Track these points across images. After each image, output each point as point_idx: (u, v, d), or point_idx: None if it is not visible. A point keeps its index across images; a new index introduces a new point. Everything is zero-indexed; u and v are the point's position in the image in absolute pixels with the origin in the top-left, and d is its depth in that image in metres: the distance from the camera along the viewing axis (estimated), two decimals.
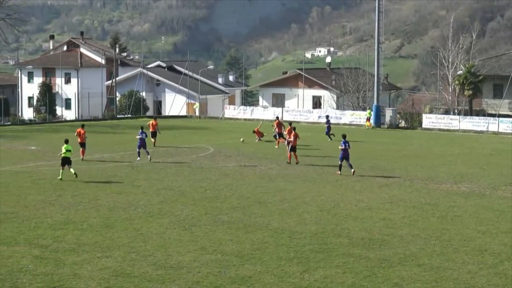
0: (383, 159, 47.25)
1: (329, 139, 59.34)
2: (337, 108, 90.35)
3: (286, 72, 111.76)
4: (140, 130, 45.54)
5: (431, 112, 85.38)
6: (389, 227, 25.98)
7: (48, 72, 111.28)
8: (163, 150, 50.89)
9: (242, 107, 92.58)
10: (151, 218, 27.06)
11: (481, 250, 22.99)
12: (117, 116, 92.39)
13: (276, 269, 20.41)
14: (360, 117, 79.68)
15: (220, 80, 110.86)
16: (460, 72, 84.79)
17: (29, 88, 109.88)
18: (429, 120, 76.30)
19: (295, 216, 27.74)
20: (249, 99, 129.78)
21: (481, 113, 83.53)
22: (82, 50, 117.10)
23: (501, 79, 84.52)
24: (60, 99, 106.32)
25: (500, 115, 76.09)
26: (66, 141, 37.51)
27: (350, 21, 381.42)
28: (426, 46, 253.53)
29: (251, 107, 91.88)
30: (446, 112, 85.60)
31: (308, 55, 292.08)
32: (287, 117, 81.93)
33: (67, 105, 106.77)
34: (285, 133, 47.39)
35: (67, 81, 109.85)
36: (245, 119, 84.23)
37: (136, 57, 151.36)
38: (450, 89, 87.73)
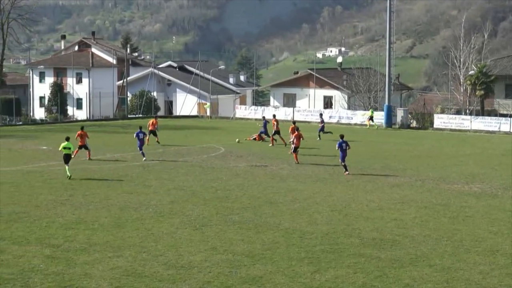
0: (395, 159, 47.15)
1: (318, 138, 59.05)
2: (348, 108, 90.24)
3: (297, 72, 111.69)
4: (139, 130, 45.78)
5: (442, 112, 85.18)
6: (400, 228, 25.93)
7: (60, 72, 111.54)
8: (174, 150, 50.95)
9: (253, 107, 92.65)
10: (162, 218, 27.09)
11: (492, 250, 22.91)
12: (128, 116, 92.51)
13: (287, 269, 20.40)
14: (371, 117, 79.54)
15: (231, 80, 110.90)
16: (471, 72, 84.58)
17: (41, 88, 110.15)
18: (441, 120, 76.13)
19: (306, 216, 27.72)
20: (260, 99, 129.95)
21: (493, 113, 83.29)
22: (94, 50, 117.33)
23: None
24: (71, 99, 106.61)
25: None
26: (67, 139, 37.99)
27: (361, 21, 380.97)
28: (437, 46, 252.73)
29: (262, 107, 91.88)
30: (458, 112, 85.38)
31: (319, 55, 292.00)
32: (298, 117, 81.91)
33: (78, 105, 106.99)
34: (289, 132, 47.44)
35: (79, 81, 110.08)
36: (256, 119, 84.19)
37: (147, 57, 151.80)
38: (461, 89, 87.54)
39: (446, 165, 44.64)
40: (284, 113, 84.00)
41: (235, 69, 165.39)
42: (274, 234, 24.62)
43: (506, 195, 33.53)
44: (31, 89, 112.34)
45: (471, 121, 73.78)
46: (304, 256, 21.83)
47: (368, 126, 75.88)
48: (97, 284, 18.85)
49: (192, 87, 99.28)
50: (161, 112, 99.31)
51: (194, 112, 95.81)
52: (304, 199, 31.57)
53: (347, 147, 39.91)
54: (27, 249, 22.33)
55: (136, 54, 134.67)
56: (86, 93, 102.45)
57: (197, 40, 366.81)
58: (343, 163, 39.90)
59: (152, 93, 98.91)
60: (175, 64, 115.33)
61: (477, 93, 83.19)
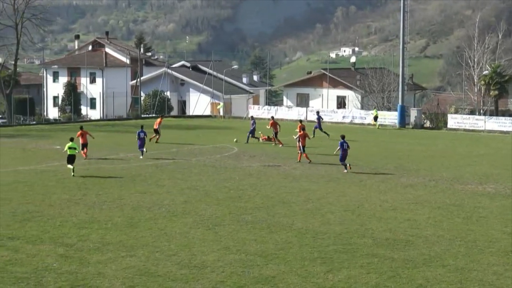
0: (408, 160, 47.04)
1: (312, 136, 58.73)
2: (362, 108, 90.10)
3: (310, 72, 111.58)
4: (140, 129, 46.34)
5: (456, 112, 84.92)
6: (414, 228, 25.86)
7: (73, 72, 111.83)
8: (187, 149, 51.02)
9: (266, 107, 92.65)
10: (175, 218, 27.12)
11: (506, 251, 22.82)
12: (142, 115, 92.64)
13: (300, 269, 20.38)
14: (385, 117, 79.46)
15: (244, 80, 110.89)
16: (485, 72, 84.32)
17: (54, 88, 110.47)
18: (455, 121, 75.90)
19: (319, 216, 27.69)
20: (274, 99, 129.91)
21: (507, 113, 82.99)
22: (107, 50, 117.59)
23: None
24: (85, 99, 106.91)
25: None
26: (71, 139, 39.00)
27: (375, 21, 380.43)
28: (451, 46, 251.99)
29: (276, 107, 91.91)
30: (472, 112, 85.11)
31: (333, 55, 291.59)
32: (311, 117, 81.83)
33: (92, 105, 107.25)
34: (296, 130, 47.46)
35: (92, 80, 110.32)
36: (269, 119, 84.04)
37: (161, 57, 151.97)
38: (475, 89, 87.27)
39: (460, 166, 44.52)
40: (297, 113, 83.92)
41: (249, 69, 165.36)
42: (287, 234, 24.61)
43: None
44: (45, 89, 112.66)
45: (485, 121, 73.52)
46: (317, 256, 21.82)
47: (377, 127, 75.82)
48: (110, 284, 18.89)
49: (205, 87, 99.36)
50: (174, 112, 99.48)
51: (207, 112, 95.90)
52: (317, 199, 31.55)
53: (348, 147, 40.39)
54: (41, 248, 22.41)
55: (149, 54, 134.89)
56: (100, 93, 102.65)
57: (210, 40, 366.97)
58: (342, 163, 40.30)
59: (165, 93, 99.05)
60: (188, 64, 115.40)
61: (491, 93, 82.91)
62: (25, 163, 42.95)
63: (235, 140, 57.12)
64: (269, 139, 56.98)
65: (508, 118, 74.53)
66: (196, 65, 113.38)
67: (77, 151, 39.18)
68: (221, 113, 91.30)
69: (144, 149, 45.87)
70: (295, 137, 47.25)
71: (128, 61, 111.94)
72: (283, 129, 58.30)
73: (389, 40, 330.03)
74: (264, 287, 18.81)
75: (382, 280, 19.43)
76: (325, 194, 32.75)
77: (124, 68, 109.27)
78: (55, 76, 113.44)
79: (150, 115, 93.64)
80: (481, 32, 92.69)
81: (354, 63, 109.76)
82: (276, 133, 55.33)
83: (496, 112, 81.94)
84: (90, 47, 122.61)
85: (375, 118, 76.87)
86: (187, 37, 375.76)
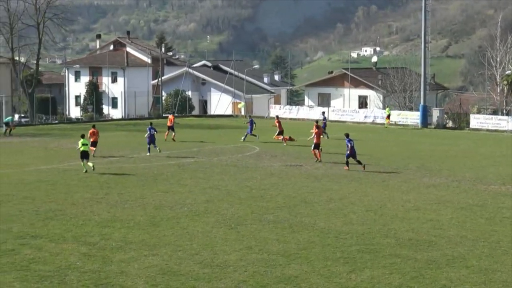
0: (430, 160, 46.84)
1: (326, 137, 58.72)
2: (383, 108, 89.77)
3: (331, 72, 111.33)
4: (149, 126, 47.49)
5: (479, 112, 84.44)
6: (437, 228, 25.75)
7: (95, 71, 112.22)
8: (209, 149, 51.09)
9: (287, 106, 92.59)
10: (197, 217, 27.16)
11: None
12: (163, 115, 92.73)
13: (323, 269, 20.35)
14: (406, 117, 79.22)
15: (265, 79, 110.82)
16: (508, 72, 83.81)
17: (76, 87, 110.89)
18: (477, 121, 75.52)
19: (341, 216, 27.64)
20: (295, 99, 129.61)
21: None
22: (129, 49, 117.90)
23: None
24: (106, 98, 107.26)
25: None
26: (82, 136, 39.76)
27: (396, 20, 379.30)
28: (473, 45, 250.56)
29: (297, 107, 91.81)
30: (494, 112, 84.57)
31: (354, 54, 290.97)
32: (333, 116, 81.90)
33: (114, 104, 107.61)
34: (311, 131, 47.54)
35: (114, 80, 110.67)
36: (290, 119, 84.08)
37: (182, 56, 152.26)
38: (498, 89, 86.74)
39: (483, 166, 44.28)
40: (319, 113, 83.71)
41: (270, 68, 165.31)
42: (309, 234, 24.58)
43: None
44: (66, 88, 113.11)
45: (508, 121, 73.08)
46: (340, 256, 21.77)
47: (386, 126, 75.86)
48: (133, 282, 18.94)
49: (226, 87, 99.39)
50: (195, 111, 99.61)
51: (229, 112, 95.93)
52: (339, 199, 31.50)
53: (349, 144, 40.94)
54: (64, 246, 22.51)
55: (170, 53, 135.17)
56: (121, 92, 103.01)
57: (231, 40, 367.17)
58: (347, 160, 40.81)
59: (186, 92, 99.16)
60: (209, 64, 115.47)
61: None
62: (47, 162, 43.18)
63: (242, 139, 57.47)
64: (291, 139, 57.05)
65: None
66: (217, 64, 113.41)
67: (88, 147, 40.07)
68: (242, 113, 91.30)
69: (157, 148, 47.06)
70: (309, 139, 47.40)
71: (149, 61, 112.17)
72: (304, 129, 58.29)
73: (410, 39, 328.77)
74: (286, 287, 18.79)
75: (405, 281, 19.36)
76: (348, 194, 32.69)
77: (145, 68, 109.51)
78: (77, 76, 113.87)
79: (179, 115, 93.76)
80: (503, 32, 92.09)
81: (376, 62, 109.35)
82: (282, 132, 56.14)
83: None
84: (111, 47, 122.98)
85: (388, 116, 76.91)
86: (208, 36, 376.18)
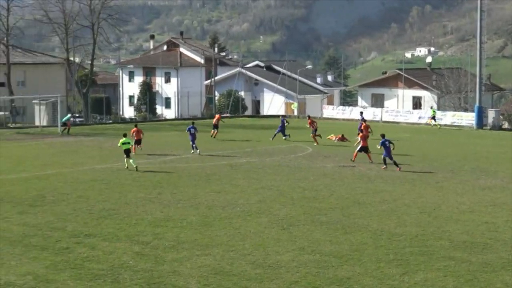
0: (486, 161, 46.28)
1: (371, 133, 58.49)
2: (438, 109, 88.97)
3: (385, 72, 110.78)
4: (191, 125, 48.67)
5: None
6: (492, 231, 25.43)
7: (149, 72, 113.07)
8: (262, 149, 51.14)
9: (340, 107, 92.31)
10: (249, 217, 27.21)
11: None
12: (221, 115, 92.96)
13: (375, 270, 20.24)
14: (461, 118, 78.42)
15: (318, 80, 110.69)
16: None
17: (130, 87, 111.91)
18: None
19: (395, 218, 27.45)
20: (348, 99, 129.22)
21: None
22: (182, 49, 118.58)
23: None
24: (160, 98, 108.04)
25: None
26: (124, 135, 41.26)
27: (451, 20, 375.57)
28: None
29: (350, 107, 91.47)
30: None
31: (408, 55, 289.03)
32: (386, 117, 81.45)
33: (167, 104, 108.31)
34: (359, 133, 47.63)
35: (167, 80, 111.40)
36: (343, 119, 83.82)
37: (235, 56, 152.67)
38: None
39: None
40: (372, 114, 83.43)
41: (323, 69, 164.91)
42: (362, 235, 24.47)
43: None
44: (120, 88, 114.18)
45: None
46: (393, 258, 21.63)
47: (431, 125, 75.28)
48: (185, 282, 19.04)
49: (279, 87, 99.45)
50: (248, 112, 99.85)
51: (281, 112, 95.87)
52: (393, 200, 31.29)
53: (390, 145, 41.22)
54: (117, 245, 22.72)
55: (223, 53, 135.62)
56: (175, 92, 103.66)
57: (284, 40, 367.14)
58: (385, 158, 41.11)
59: (239, 93, 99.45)
60: (262, 64, 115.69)
61: None
62: (101, 161, 43.65)
63: (284, 138, 57.90)
64: (342, 139, 56.99)
65: None
66: (270, 65, 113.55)
67: (130, 145, 41.26)
68: (295, 113, 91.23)
69: (195, 146, 47.73)
70: (356, 143, 47.36)
71: (202, 61, 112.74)
72: (354, 129, 58.09)
73: (465, 39, 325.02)
74: None
75: (460, 284, 19.16)
76: (401, 196, 32.47)
77: (198, 68, 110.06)
78: (131, 76, 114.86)
79: (224, 115, 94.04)
80: None
81: (430, 63, 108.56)
82: (315, 130, 56.12)
83: None
84: (165, 47, 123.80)
85: (433, 117, 76.42)
86: (261, 36, 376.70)
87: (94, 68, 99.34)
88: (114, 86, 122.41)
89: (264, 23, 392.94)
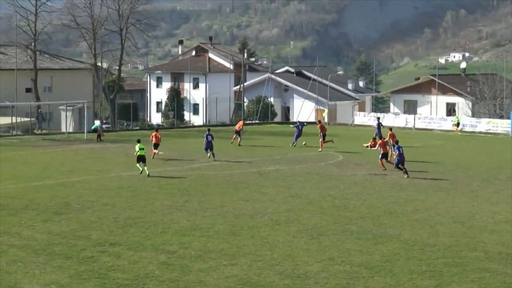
0: None
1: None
2: (473, 115, 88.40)
3: (418, 78, 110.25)
4: (207, 132, 49.24)
5: None
6: None
7: (177, 77, 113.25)
8: (291, 156, 50.98)
9: (372, 113, 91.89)
10: (278, 226, 27.06)
11: None
12: (245, 122, 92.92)
13: (408, 282, 20.02)
14: (496, 125, 77.73)
15: (349, 86, 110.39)
16: None
17: (158, 93, 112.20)
18: None
19: (428, 228, 27.19)
20: (380, 106, 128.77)
21: None
22: (211, 55, 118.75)
23: None
24: (188, 104, 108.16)
25: None
26: (138, 141, 41.98)
27: (486, 25, 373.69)
28: None
29: (382, 114, 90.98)
30: None
31: (442, 60, 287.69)
32: (419, 124, 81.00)
33: (195, 110, 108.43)
34: (387, 138, 47.47)
35: (195, 86, 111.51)
36: (375, 126, 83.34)
37: (265, 62, 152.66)
38: None
39: None
40: (405, 120, 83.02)
41: (354, 74, 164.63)
42: (393, 246, 24.25)
43: None
44: (148, 94, 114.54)
45: None
46: (426, 269, 21.39)
47: (457, 132, 75.00)
48: None
49: (309, 93, 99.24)
50: (277, 118, 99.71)
51: (312, 119, 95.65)
52: (426, 209, 31.02)
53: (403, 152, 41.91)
54: (143, 255, 22.66)
55: (253, 59, 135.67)
56: (203, 98, 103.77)
57: (315, 45, 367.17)
58: (397, 167, 41.49)
59: (269, 99, 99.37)
60: (292, 70, 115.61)
61: None
62: (128, 168, 43.67)
63: (303, 143, 58.10)
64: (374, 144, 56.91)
65: None
66: (300, 70, 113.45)
67: (145, 151, 41.42)
68: (326, 120, 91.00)
69: (212, 153, 48.25)
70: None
71: (231, 67, 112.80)
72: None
73: (501, 45, 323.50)
74: None
75: None
76: (434, 205, 32.17)
77: (227, 74, 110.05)
78: (159, 82, 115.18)
79: (253, 121, 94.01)
80: None
81: (464, 69, 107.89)
82: (324, 135, 56.42)
83: None
84: (193, 52, 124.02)
85: (458, 124, 76.14)
86: (291, 42, 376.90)
87: (121, 74, 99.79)
88: (142, 92, 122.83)
89: (294, 28, 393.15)
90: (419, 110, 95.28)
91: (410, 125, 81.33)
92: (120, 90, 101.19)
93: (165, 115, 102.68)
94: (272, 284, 19.63)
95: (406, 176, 40.68)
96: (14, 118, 71.22)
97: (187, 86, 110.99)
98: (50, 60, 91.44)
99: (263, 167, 44.54)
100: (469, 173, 42.95)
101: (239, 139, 59.30)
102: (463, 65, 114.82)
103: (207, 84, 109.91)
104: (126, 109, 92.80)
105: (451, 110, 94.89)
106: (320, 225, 27.33)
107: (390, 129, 51.54)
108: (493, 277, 20.61)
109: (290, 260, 22.14)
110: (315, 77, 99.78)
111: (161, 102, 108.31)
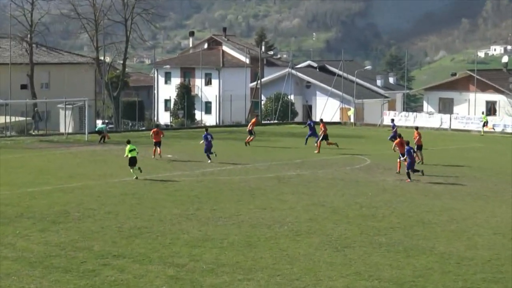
0: None
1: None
2: None
3: (455, 74, 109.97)
4: (205, 133, 49.95)
5: None
6: None
7: (187, 73, 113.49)
8: (313, 160, 51.01)
9: (403, 113, 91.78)
10: (298, 237, 27.10)
11: None
12: (262, 122, 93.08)
13: None
14: None
15: (378, 82, 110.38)
16: None
17: (166, 90, 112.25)
18: None
19: (465, 240, 27.18)
20: (412, 104, 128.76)
21: None
22: (225, 48, 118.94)
23: None
24: (199, 102, 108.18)
25: None
26: (128, 142, 42.65)
27: None
28: None
29: (414, 113, 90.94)
30: None
31: (481, 54, 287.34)
32: (456, 125, 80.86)
33: (207, 109, 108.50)
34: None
35: (208, 82, 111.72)
36: (406, 127, 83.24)
37: (284, 56, 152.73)
38: None
39: None
40: (439, 120, 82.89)
41: (383, 70, 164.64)
42: (427, 259, 24.25)
43: None
44: (155, 91, 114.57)
45: None
46: (462, 285, 21.42)
47: (481, 133, 75.64)
48: None
49: (334, 90, 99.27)
50: (299, 118, 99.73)
51: (336, 118, 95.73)
52: (463, 219, 30.98)
53: (415, 153, 42.88)
54: (149, 268, 22.72)
55: (271, 52, 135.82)
56: (216, 96, 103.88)
57: (340, 37, 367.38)
58: (408, 170, 41.85)
59: (289, 96, 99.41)
60: (315, 64, 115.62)
61: None
62: (133, 173, 43.77)
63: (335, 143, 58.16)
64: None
65: None
66: (323, 65, 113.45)
67: (137, 152, 41.84)
68: (352, 120, 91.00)
69: (214, 153, 48.89)
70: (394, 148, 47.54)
71: (247, 61, 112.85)
72: (423, 138, 57.69)
73: None
74: None
75: None
76: (472, 214, 32.13)
77: (243, 69, 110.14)
78: (167, 77, 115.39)
79: (272, 122, 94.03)
80: None
81: (506, 63, 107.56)
82: (326, 137, 57.29)
83: None
84: (205, 45, 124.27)
85: (486, 124, 76.61)
86: (314, 33, 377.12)
87: (126, 69, 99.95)
88: (149, 89, 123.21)
89: (317, 19, 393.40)
90: (455, 109, 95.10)
91: (445, 125, 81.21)
92: (125, 87, 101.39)
93: (174, 114, 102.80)
94: None
95: (408, 180, 41.23)
96: (8, 117, 71.45)
97: (198, 82, 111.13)
98: (47, 54, 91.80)
99: (282, 172, 44.58)
100: (510, 180, 42.82)
101: (251, 137, 59.85)
102: (505, 59, 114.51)
103: (221, 80, 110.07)
104: (131, 108, 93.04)
105: (491, 109, 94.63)
106: (345, 236, 27.36)
107: (416, 128, 51.76)
108: None
109: (312, 275, 22.18)
110: (340, 72, 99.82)
111: (169, 100, 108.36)
